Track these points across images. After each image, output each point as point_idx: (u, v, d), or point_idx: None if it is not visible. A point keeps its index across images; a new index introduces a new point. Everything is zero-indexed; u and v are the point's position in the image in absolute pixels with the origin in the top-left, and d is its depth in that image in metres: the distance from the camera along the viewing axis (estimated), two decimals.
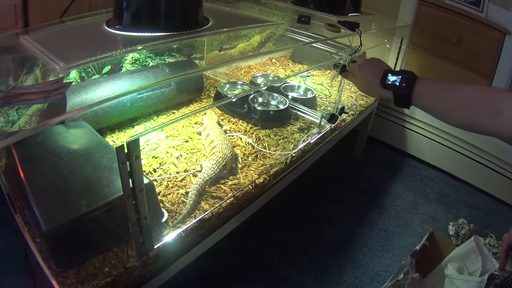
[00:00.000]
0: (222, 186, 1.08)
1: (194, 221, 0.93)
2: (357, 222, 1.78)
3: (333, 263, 1.53)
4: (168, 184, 1.05)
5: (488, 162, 2.01)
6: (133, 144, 0.66)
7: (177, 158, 1.18)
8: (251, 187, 1.10)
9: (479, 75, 1.91)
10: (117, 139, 1.23)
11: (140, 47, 0.87)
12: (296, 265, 1.49)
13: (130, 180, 0.70)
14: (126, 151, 0.66)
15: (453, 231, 1.74)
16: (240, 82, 1.68)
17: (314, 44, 1.84)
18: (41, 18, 1.27)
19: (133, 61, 1.45)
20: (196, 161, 1.18)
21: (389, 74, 0.78)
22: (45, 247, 0.78)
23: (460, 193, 2.10)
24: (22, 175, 0.84)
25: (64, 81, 0.77)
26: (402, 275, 1.17)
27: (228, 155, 1.13)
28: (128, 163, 0.67)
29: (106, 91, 1.17)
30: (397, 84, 0.76)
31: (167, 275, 0.94)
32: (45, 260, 0.77)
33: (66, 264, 0.76)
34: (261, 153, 1.27)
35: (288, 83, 1.80)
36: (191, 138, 1.30)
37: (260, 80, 1.82)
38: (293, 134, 1.42)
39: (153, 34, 0.91)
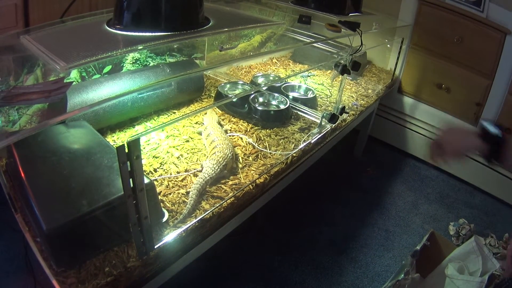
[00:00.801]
0: (222, 186, 1.08)
1: (195, 221, 0.93)
2: (358, 222, 1.78)
3: (333, 263, 1.53)
4: (168, 184, 1.05)
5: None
6: (134, 144, 0.66)
7: (177, 158, 1.18)
8: (251, 187, 1.10)
9: (479, 75, 1.91)
10: (118, 139, 1.23)
11: (140, 47, 0.87)
12: (297, 265, 1.49)
13: (131, 180, 0.70)
14: (126, 151, 0.66)
15: (453, 231, 1.73)
16: (240, 82, 1.68)
17: (314, 44, 1.84)
18: (42, 18, 1.27)
19: (134, 61, 1.45)
20: (196, 161, 1.18)
21: (487, 125, 0.80)
22: (45, 246, 0.78)
23: (460, 193, 2.09)
24: (22, 174, 0.84)
25: (65, 81, 0.77)
26: (402, 275, 1.17)
27: (229, 155, 1.13)
28: (128, 163, 0.67)
29: (106, 91, 1.18)
30: (498, 133, 0.78)
31: (167, 275, 0.94)
32: (45, 259, 0.77)
33: (66, 264, 0.76)
34: (262, 153, 1.27)
35: (288, 83, 1.80)
36: (191, 138, 1.30)
37: (260, 80, 1.82)
38: (294, 134, 1.42)
39: (153, 34, 0.91)
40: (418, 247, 1.28)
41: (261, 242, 1.58)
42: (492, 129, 0.79)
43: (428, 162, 2.27)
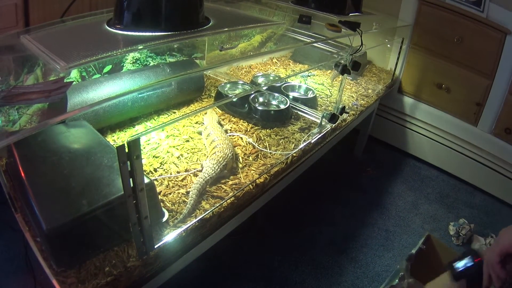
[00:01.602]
0: (222, 185, 1.08)
1: (195, 220, 0.93)
2: (358, 222, 1.78)
3: (333, 263, 1.53)
4: (168, 184, 1.05)
5: (488, 162, 2.00)
6: (134, 144, 0.66)
7: (177, 157, 1.18)
8: (251, 187, 1.10)
9: (479, 75, 1.91)
10: (118, 138, 1.23)
11: (141, 47, 0.87)
12: (297, 265, 1.49)
13: (131, 179, 0.70)
14: (126, 150, 0.66)
15: (453, 231, 1.73)
16: (240, 82, 1.68)
17: (315, 44, 1.84)
18: (42, 18, 1.28)
19: (134, 60, 1.45)
20: (196, 161, 1.18)
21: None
22: (45, 246, 0.78)
23: (460, 193, 2.09)
24: (22, 174, 0.84)
25: (65, 80, 0.77)
26: (397, 280, 1.15)
27: (229, 154, 1.13)
28: (128, 162, 0.67)
29: (107, 90, 1.18)
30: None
31: (167, 274, 0.94)
32: (45, 259, 0.77)
33: (66, 264, 0.76)
34: (262, 153, 1.27)
35: (288, 83, 1.80)
36: (191, 138, 1.30)
37: (261, 80, 1.82)
38: (294, 134, 1.42)
39: (154, 33, 0.91)
40: (413, 251, 1.27)
41: (261, 242, 1.58)
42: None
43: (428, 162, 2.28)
